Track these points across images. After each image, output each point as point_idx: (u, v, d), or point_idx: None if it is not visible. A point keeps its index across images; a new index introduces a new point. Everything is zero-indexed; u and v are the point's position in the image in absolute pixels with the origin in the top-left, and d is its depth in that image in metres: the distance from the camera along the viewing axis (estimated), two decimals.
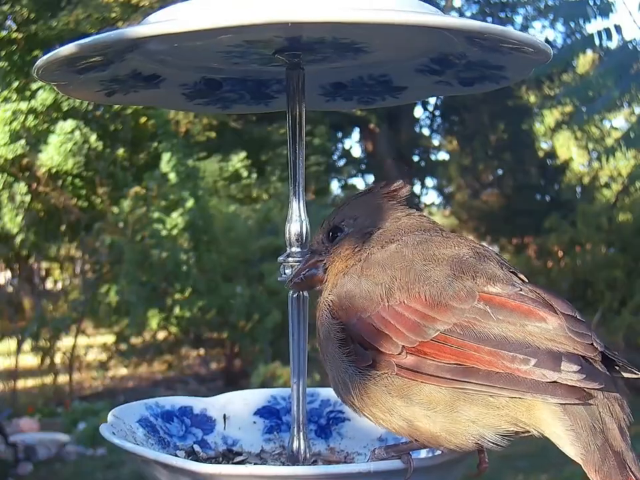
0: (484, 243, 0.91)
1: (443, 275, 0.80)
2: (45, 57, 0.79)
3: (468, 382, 0.75)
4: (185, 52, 0.89)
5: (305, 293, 0.96)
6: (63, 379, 7.85)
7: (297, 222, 0.95)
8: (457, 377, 0.75)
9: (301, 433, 0.96)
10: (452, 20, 0.73)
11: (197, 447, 1.02)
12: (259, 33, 0.78)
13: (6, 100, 7.72)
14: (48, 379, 7.83)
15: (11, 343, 7.81)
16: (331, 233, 0.91)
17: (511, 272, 0.82)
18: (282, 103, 0.99)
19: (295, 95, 0.94)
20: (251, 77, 1.02)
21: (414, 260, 0.82)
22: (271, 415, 1.10)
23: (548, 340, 0.75)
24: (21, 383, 7.76)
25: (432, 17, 0.72)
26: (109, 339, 8.83)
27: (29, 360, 8.13)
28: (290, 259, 0.95)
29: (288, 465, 0.96)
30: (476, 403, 0.76)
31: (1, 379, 7.65)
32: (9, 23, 8.30)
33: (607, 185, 11.37)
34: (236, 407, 1.10)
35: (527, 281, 0.83)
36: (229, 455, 1.04)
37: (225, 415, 1.09)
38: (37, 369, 7.89)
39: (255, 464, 1.01)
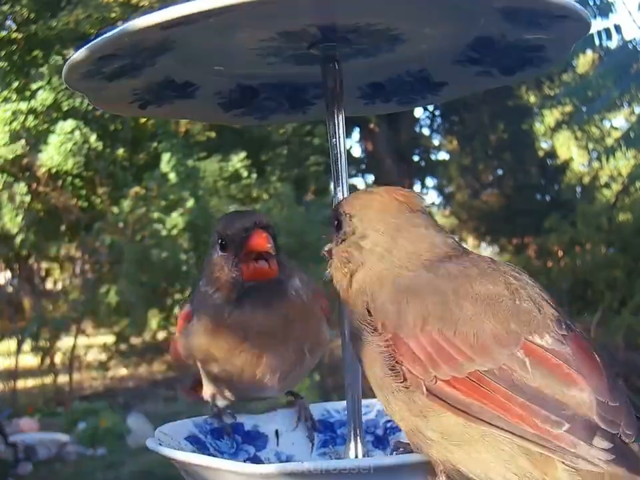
0: (525, 276, 0.84)
1: (487, 315, 0.76)
2: (74, 56, 0.77)
3: (495, 426, 0.72)
4: (218, 52, 0.87)
5: None
6: (62, 379, 7.85)
7: None
8: (484, 417, 0.72)
9: (358, 438, 0.94)
10: None
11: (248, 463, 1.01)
12: (289, 19, 0.76)
13: (6, 100, 7.72)
14: (48, 379, 7.83)
15: (10, 343, 7.80)
16: (336, 222, 0.88)
17: (557, 316, 0.78)
18: (321, 110, 0.95)
19: (333, 92, 0.92)
20: (287, 82, 1.00)
21: (462, 295, 0.78)
22: (325, 428, 1.08)
23: (584, 409, 0.70)
24: (21, 383, 7.76)
25: None
26: (109, 339, 8.83)
27: (29, 360, 8.13)
28: None
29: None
30: (493, 446, 0.73)
31: (1, 379, 7.65)
32: (8, 22, 8.30)
33: (607, 185, 11.36)
34: (288, 423, 1.08)
35: (572, 327, 0.78)
36: None
37: (277, 431, 1.07)
38: (37, 369, 7.89)
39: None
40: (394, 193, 0.87)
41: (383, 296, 0.80)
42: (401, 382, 0.78)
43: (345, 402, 0.97)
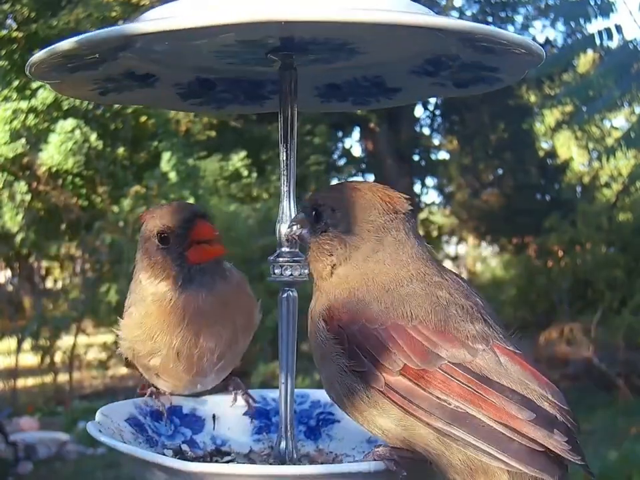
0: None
1: (466, 320, 0.80)
2: (39, 54, 0.79)
3: (454, 428, 0.75)
4: (178, 51, 0.89)
5: (294, 293, 0.96)
6: (63, 378, 7.85)
7: (287, 222, 0.95)
8: (445, 418, 0.75)
9: (289, 433, 0.95)
10: (441, 20, 0.73)
11: (184, 446, 1.02)
12: (251, 32, 0.78)
13: (6, 99, 7.72)
14: (48, 378, 7.83)
15: (11, 342, 7.80)
16: (314, 212, 0.88)
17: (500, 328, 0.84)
18: (277, 104, 0.99)
19: (287, 95, 0.94)
20: (245, 77, 1.02)
21: (441, 300, 0.81)
22: (260, 415, 1.10)
23: (545, 400, 0.77)
24: (21, 382, 7.76)
25: (422, 17, 0.72)
26: (109, 338, 8.82)
27: (29, 359, 8.13)
28: (280, 259, 0.95)
29: (276, 465, 0.96)
30: (442, 442, 0.76)
31: (1, 378, 7.65)
32: (9, 21, 8.30)
33: (607, 185, 11.36)
34: (225, 407, 1.09)
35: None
36: (217, 455, 1.04)
37: (214, 415, 1.09)
38: (37, 368, 7.89)
39: (242, 464, 1.00)
40: (379, 192, 0.87)
41: (364, 298, 0.81)
42: (363, 372, 0.79)
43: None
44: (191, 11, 0.78)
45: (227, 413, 1.09)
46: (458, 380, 0.76)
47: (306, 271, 0.93)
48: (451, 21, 0.73)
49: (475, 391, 0.75)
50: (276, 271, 0.95)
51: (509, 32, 0.80)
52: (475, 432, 0.74)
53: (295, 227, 0.91)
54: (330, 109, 1.16)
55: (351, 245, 0.85)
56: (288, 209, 0.96)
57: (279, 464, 0.95)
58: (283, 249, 0.95)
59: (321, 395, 1.08)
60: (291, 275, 0.94)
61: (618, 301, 7.94)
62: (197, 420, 1.08)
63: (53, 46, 0.77)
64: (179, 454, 0.99)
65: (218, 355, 1.04)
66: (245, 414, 1.09)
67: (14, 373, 7.46)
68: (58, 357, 7.93)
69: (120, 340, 1.09)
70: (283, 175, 0.95)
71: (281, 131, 0.95)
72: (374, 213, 0.86)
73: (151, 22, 0.73)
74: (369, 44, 0.87)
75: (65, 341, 8.03)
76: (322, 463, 1.02)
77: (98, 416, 0.94)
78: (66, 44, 0.75)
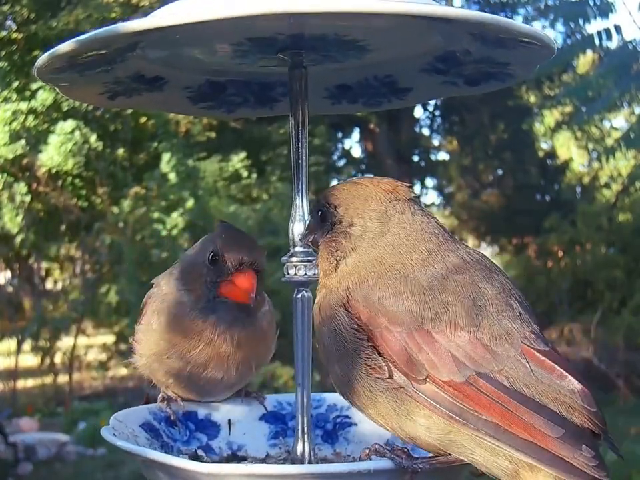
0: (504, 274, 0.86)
1: (492, 315, 0.77)
2: (45, 55, 0.78)
3: (490, 437, 0.74)
4: (187, 52, 0.88)
5: (308, 293, 0.95)
6: (62, 378, 7.85)
7: (300, 222, 0.95)
8: (478, 426, 0.74)
9: (306, 436, 0.94)
10: (455, 11, 0.72)
11: (200, 452, 1.02)
12: (260, 27, 0.78)
13: (6, 100, 7.71)
14: (48, 379, 7.83)
15: (10, 343, 7.80)
16: (320, 214, 0.88)
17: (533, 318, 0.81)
18: (287, 106, 0.98)
19: (297, 95, 0.93)
20: (255, 80, 1.02)
21: (465, 291, 0.78)
22: (276, 420, 1.10)
23: (574, 410, 0.75)
24: (21, 383, 7.76)
25: (436, 7, 0.71)
26: (109, 338, 8.82)
27: (29, 360, 8.13)
28: (293, 259, 0.94)
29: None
30: (483, 446, 0.76)
31: (0, 379, 7.64)
32: (8, 23, 8.29)
33: (607, 185, 11.36)
34: (240, 413, 1.09)
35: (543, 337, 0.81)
36: (234, 460, 1.03)
37: (229, 420, 1.08)
38: (37, 369, 7.89)
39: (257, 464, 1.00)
40: (379, 183, 0.86)
41: (380, 289, 0.79)
42: (385, 378, 0.77)
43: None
44: (198, 7, 0.77)
45: (242, 418, 1.09)
46: (486, 394, 0.74)
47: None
48: (465, 12, 0.72)
49: (504, 407, 0.74)
50: (290, 271, 0.94)
51: (522, 24, 0.79)
52: (510, 441, 0.74)
53: (309, 237, 0.90)
54: (340, 110, 1.14)
55: (355, 237, 0.83)
56: (300, 208, 0.95)
57: None
58: (297, 249, 0.94)
59: (337, 398, 1.06)
60: (305, 274, 0.93)
61: (618, 301, 7.94)
62: (212, 425, 1.07)
63: (55, 48, 0.77)
64: (195, 459, 0.99)
65: (226, 385, 1.05)
66: (258, 401, 1.10)
67: (14, 373, 7.45)
68: (58, 358, 7.93)
69: (136, 354, 1.09)
70: (294, 174, 0.95)
71: (292, 130, 0.94)
72: (375, 203, 0.84)
73: (154, 17, 0.72)
74: (378, 41, 0.86)
75: (65, 341, 8.02)
76: None
77: (112, 421, 0.93)
78: (69, 44, 0.75)
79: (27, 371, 8.03)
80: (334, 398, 1.09)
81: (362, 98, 1.09)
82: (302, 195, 0.95)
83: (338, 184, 0.90)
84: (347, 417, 1.09)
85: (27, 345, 7.78)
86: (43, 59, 0.79)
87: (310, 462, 0.95)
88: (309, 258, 0.93)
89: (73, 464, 5.48)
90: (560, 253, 9.50)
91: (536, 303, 9.75)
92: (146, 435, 0.97)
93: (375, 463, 0.78)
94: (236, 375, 1.04)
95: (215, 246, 1.02)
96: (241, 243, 1.04)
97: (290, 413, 1.09)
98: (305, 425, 0.95)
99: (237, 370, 1.04)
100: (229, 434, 1.07)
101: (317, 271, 0.91)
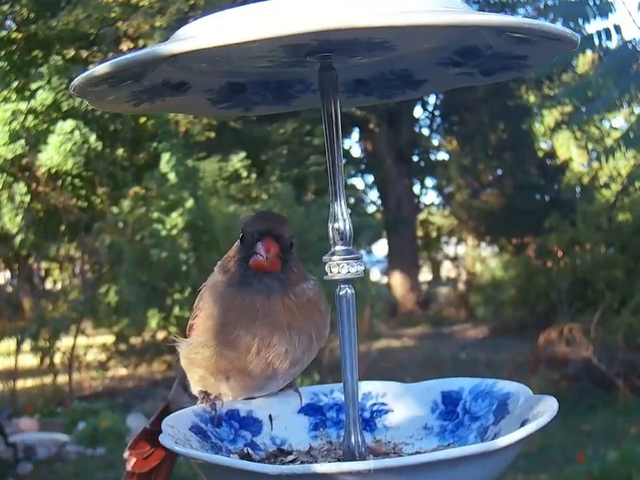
0: None
1: None
2: (81, 77, 0.82)
3: None
4: (221, 62, 0.90)
5: (352, 290, 0.97)
6: (62, 379, 7.85)
7: (340, 221, 0.96)
8: None
9: (357, 427, 0.96)
10: (495, 18, 0.73)
11: (249, 450, 1.02)
12: (297, 36, 0.79)
13: (5, 100, 7.72)
14: (47, 379, 7.83)
15: (10, 343, 7.80)
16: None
17: None
18: (303, 102, 1.01)
19: (329, 95, 0.95)
20: (273, 78, 1.04)
21: None
22: (315, 412, 1.11)
23: None
24: (21, 383, 7.76)
25: (472, 16, 0.73)
26: (109, 339, 8.83)
27: (29, 360, 8.13)
28: (335, 257, 0.96)
29: (345, 461, 0.95)
30: None
31: (0, 379, 7.65)
32: (8, 22, 8.30)
33: (607, 185, 11.37)
34: (279, 407, 1.11)
35: None
36: (281, 455, 1.04)
37: (270, 415, 1.09)
38: (37, 369, 7.89)
39: (306, 462, 1.01)
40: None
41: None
42: None
43: (332, 385, 1.01)
44: (231, 25, 0.78)
45: (282, 413, 1.10)
46: None
47: (362, 268, 0.94)
48: (503, 18, 0.73)
49: None
50: (333, 270, 0.96)
51: (555, 25, 0.80)
52: None
53: None
54: (355, 103, 1.17)
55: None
56: (340, 207, 0.97)
57: (349, 459, 0.95)
58: (337, 248, 0.96)
59: (370, 386, 1.10)
60: (348, 272, 0.95)
61: (618, 301, 7.94)
62: (254, 422, 1.08)
63: (91, 70, 0.80)
64: (245, 457, 1.00)
65: (291, 361, 1.06)
66: (299, 412, 1.11)
67: (13, 374, 7.45)
68: (57, 358, 7.92)
69: (198, 347, 1.09)
70: (331, 174, 0.97)
71: (326, 132, 0.96)
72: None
73: (196, 38, 0.73)
74: (405, 41, 0.89)
75: (65, 342, 8.02)
76: (384, 454, 1.03)
77: (166, 428, 0.93)
78: (104, 67, 0.78)
79: (27, 371, 8.03)
80: (367, 386, 1.11)
81: (377, 91, 1.11)
82: (339, 194, 0.97)
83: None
84: (383, 403, 1.10)
85: (27, 345, 7.78)
86: (79, 79, 0.83)
87: (361, 452, 0.96)
88: (351, 255, 0.96)
89: (73, 464, 5.48)
90: (560, 253, 9.51)
91: (535, 303, 9.77)
92: (196, 437, 0.98)
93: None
94: (299, 348, 1.06)
95: (244, 227, 1.09)
96: (261, 216, 1.12)
97: (327, 404, 1.11)
98: (357, 417, 0.96)
99: (298, 341, 1.05)
100: (271, 429, 1.08)
101: (358, 268, 0.94)
